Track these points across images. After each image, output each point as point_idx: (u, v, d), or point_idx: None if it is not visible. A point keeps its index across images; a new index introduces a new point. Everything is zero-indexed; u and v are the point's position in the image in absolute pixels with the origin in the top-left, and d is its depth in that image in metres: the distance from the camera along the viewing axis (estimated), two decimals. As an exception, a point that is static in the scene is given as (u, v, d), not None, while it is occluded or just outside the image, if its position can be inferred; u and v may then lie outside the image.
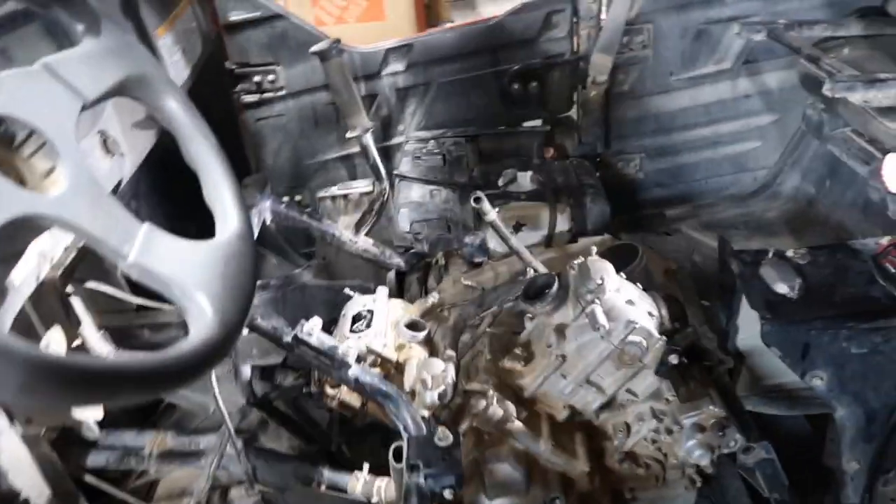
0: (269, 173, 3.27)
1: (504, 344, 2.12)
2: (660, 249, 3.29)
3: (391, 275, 2.35)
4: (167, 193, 2.41)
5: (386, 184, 2.05)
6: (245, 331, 1.72)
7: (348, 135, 1.98)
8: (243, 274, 0.95)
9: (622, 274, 2.00)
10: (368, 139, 2.00)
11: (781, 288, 1.99)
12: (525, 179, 2.90)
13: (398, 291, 2.39)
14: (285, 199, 3.27)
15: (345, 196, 2.27)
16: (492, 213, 2.13)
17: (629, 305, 1.86)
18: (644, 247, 2.58)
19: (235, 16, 2.83)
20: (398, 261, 2.27)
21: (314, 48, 2.35)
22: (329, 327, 2.21)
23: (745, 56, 3.16)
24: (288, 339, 1.68)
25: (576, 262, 2.01)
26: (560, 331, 1.91)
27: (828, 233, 3.06)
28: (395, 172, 2.82)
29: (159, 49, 2.07)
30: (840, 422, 2.01)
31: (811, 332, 1.91)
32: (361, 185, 2.29)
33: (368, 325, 1.98)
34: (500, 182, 2.89)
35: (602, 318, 1.79)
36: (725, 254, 2.22)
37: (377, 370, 1.91)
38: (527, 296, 1.98)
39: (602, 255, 2.35)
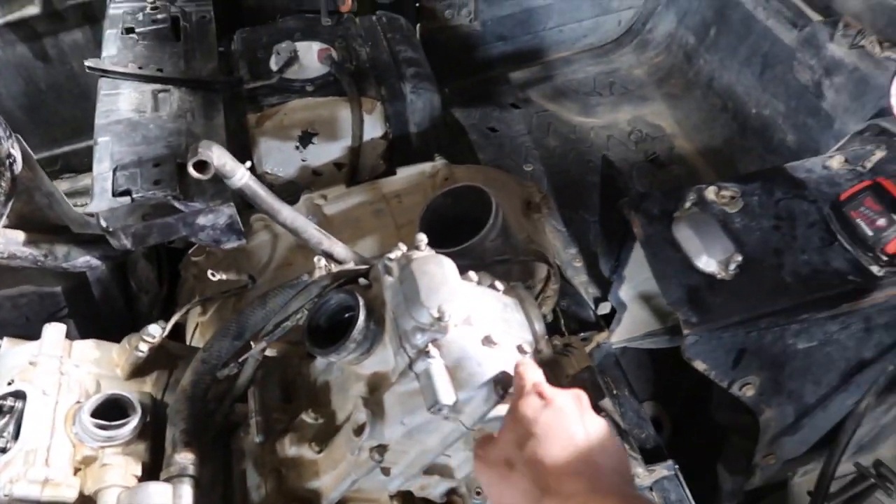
0: None
1: (292, 380, 1.30)
2: (508, 131, 2.49)
3: (97, 269, 1.36)
4: None
5: (10, 145, 1.01)
6: None
7: None
8: None
9: (471, 275, 1.18)
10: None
11: (707, 264, 1.29)
12: (311, 56, 1.90)
13: (122, 290, 1.42)
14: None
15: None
16: (240, 175, 1.18)
17: (487, 349, 1.07)
18: (494, 175, 1.76)
19: None
20: (85, 259, 1.28)
21: None
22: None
23: None
24: None
25: (393, 257, 1.16)
26: (376, 392, 1.12)
27: (711, 98, 2.40)
28: (89, 65, 1.68)
29: None
30: (764, 423, 1.47)
31: (751, 335, 1.27)
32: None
33: (17, 433, 1.04)
34: (273, 64, 1.86)
35: (444, 389, 1.01)
36: (618, 194, 1.47)
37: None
38: (314, 333, 1.13)
39: (434, 205, 1.52)
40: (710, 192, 1.39)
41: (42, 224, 1.24)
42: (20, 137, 1.10)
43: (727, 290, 1.27)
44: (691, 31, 2.48)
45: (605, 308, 1.89)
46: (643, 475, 1.45)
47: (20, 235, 1.21)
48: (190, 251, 1.61)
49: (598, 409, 1.38)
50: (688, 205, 1.36)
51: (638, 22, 2.63)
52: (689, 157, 2.38)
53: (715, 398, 1.83)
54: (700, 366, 1.28)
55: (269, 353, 1.31)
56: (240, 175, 1.20)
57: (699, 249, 1.30)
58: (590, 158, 2.34)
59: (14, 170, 1.09)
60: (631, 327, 1.83)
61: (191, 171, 1.10)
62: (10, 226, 1.21)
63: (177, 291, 1.68)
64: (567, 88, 2.58)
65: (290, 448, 1.16)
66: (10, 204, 1.14)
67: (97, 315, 1.58)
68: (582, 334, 1.73)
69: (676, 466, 1.48)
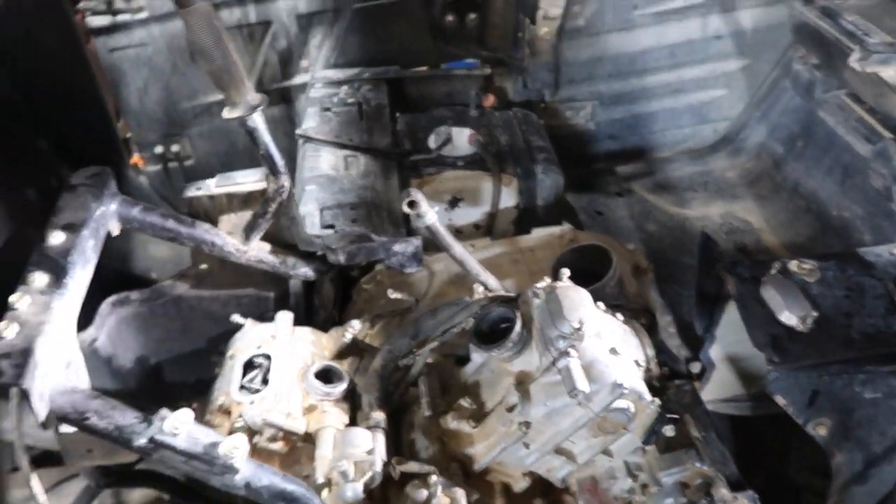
0: (136, 119, 2.57)
1: (446, 381, 1.66)
2: (612, 215, 2.88)
3: (296, 284, 1.80)
4: None
5: (285, 179, 1.47)
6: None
7: (226, 114, 1.37)
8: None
9: (599, 304, 1.54)
10: (258, 120, 1.40)
11: (789, 318, 1.61)
12: (462, 139, 2.36)
13: (306, 305, 1.85)
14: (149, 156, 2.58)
15: (228, 195, 1.69)
16: (431, 216, 1.60)
17: (613, 356, 1.42)
18: (610, 242, 2.14)
19: None
20: (305, 269, 1.72)
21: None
22: (216, 349, 1.68)
23: (720, -13, 2.68)
24: (142, 441, 1.15)
25: (540, 286, 1.53)
26: (522, 384, 1.46)
27: (796, 200, 2.72)
28: (299, 132, 2.20)
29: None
30: (836, 467, 1.71)
31: (823, 378, 1.56)
32: (250, 180, 1.69)
33: (265, 381, 1.45)
34: (432, 143, 2.34)
35: (580, 380, 1.35)
36: (714, 261, 1.81)
37: (279, 445, 1.41)
38: (478, 335, 1.50)
39: (563, 258, 1.90)
40: (793, 265, 1.72)
41: (280, 240, 1.70)
42: (289, 175, 1.57)
43: (804, 340, 1.57)
44: (780, 142, 2.84)
45: (695, 368, 2.18)
46: (727, 498, 1.69)
47: (267, 246, 1.67)
48: (362, 279, 2.04)
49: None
50: (773, 271, 1.68)
51: (732, 132, 3.01)
52: (774, 250, 2.68)
53: (794, 461, 2.06)
54: (780, 401, 1.57)
55: (429, 360, 1.69)
56: (430, 216, 1.63)
57: (782, 306, 1.61)
58: (684, 242, 2.68)
59: (283, 196, 1.55)
60: (718, 389, 2.10)
61: (404, 207, 1.53)
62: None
63: (345, 312, 2.09)
64: (666, 183, 2.96)
65: (451, 423, 1.51)
66: (271, 223, 1.60)
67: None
68: (676, 382, 2.02)
69: (757, 497, 1.72)
